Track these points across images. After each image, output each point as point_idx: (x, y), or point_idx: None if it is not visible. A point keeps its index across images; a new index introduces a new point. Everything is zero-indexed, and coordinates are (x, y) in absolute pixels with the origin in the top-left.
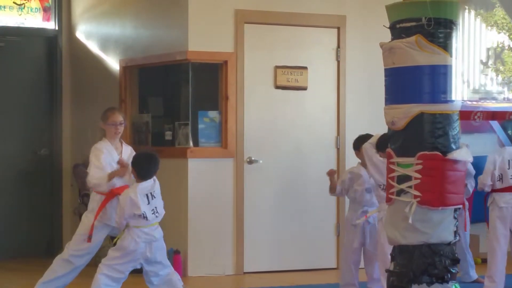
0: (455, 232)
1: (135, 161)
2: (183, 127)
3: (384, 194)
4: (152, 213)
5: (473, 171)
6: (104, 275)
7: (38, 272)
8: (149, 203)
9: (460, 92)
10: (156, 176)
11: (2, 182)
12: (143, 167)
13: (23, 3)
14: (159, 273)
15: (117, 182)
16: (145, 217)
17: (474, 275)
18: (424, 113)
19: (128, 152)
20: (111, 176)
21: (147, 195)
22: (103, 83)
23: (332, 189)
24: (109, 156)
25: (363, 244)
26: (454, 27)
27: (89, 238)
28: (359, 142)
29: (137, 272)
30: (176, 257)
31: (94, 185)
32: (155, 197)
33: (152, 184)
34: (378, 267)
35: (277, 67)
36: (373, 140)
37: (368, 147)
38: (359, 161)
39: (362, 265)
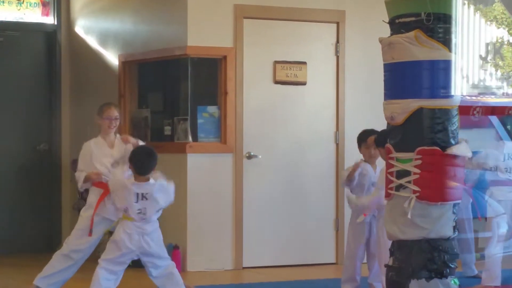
0: (454, 227)
1: (133, 156)
2: (182, 122)
3: None
4: (138, 213)
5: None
6: (103, 268)
7: (38, 267)
8: (137, 201)
9: (459, 87)
10: (162, 182)
11: (2, 177)
12: (140, 163)
13: None
14: (158, 264)
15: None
16: (126, 212)
17: (475, 270)
18: (424, 108)
19: (122, 147)
20: (85, 180)
21: (137, 194)
22: (102, 78)
23: (349, 180)
24: (100, 152)
25: (368, 239)
26: (454, 22)
27: (90, 232)
28: (363, 137)
29: (138, 266)
30: (175, 252)
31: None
32: (146, 199)
33: (147, 188)
34: (378, 262)
35: (276, 62)
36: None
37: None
38: (362, 158)
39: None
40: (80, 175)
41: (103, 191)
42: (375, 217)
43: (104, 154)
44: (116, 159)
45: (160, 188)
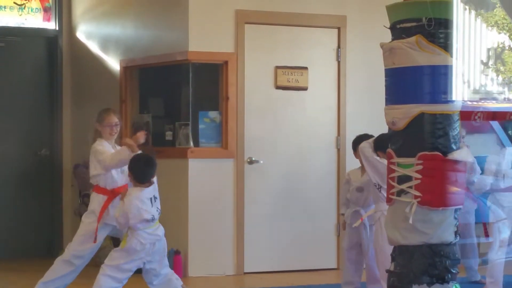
0: (456, 233)
1: (132, 164)
2: (184, 127)
3: (380, 194)
4: (158, 213)
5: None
6: (106, 276)
7: (39, 272)
8: (152, 205)
9: (461, 93)
10: (156, 177)
11: (3, 182)
12: (140, 171)
13: (24, 3)
14: (160, 272)
15: (119, 181)
16: (153, 219)
17: (477, 275)
18: (425, 114)
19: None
20: (128, 145)
21: (150, 198)
22: (104, 83)
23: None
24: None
25: (360, 244)
26: (455, 28)
27: (95, 239)
28: (358, 142)
29: (137, 272)
30: (177, 258)
31: (108, 166)
32: (157, 198)
33: (154, 188)
34: (377, 267)
35: (277, 67)
36: (371, 141)
37: (365, 147)
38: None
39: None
40: (111, 154)
41: (107, 198)
42: (364, 225)
43: None
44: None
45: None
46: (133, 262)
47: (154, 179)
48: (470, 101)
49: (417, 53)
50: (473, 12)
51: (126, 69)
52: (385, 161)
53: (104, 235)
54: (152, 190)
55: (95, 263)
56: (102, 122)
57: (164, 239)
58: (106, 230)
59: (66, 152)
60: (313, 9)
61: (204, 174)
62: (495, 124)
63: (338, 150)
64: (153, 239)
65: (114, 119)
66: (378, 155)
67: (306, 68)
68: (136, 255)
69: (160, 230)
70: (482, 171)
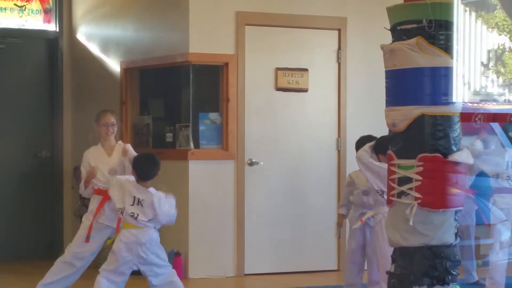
0: (456, 234)
1: (135, 163)
2: (184, 129)
3: (382, 199)
4: (131, 216)
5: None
6: (105, 277)
7: (39, 274)
8: (132, 204)
9: (461, 94)
10: (157, 178)
11: (3, 184)
12: (142, 169)
13: (24, 5)
14: (158, 272)
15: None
16: (121, 212)
17: (475, 276)
18: (425, 115)
19: (120, 154)
20: (85, 182)
21: (134, 197)
22: (104, 85)
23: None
24: (98, 160)
25: (364, 246)
26: (455, 29)
27: (87, 239)
28: (361, 143)
29: (138, 273)
30: (177, 259)
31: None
32: (141, 206)
33: (146, 195)
34: (377, 269)
35: (278, 69)
36: (366, 147)
37: (362, 155)
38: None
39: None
40: (82, 184)
41: (102, 198)
42: (369, 225)
43: (101, 161)
44: (113, 166)
45: (158, 201)
46: (123, 265)
47: (156, 195)
48: (470, 102)
49: (417, 55)
50: (473, 13)
51: (127, 70)
52: (385, 165)
53: (104, 237)
54: (142, 194)
55: (96, 265)
56: (99, 122)
57: (151, 244)
58: (105, 231)
59: (66, 154)
60: (313, 11)
61: (205, 175)
62: (496, 126)
63: (339, 151)
64: (134, 241)
65: (111, 119)
66: (378, 158)
67: (306, 69)
68: (122, 257)
69: (144, 237)
70: (482, 173)
